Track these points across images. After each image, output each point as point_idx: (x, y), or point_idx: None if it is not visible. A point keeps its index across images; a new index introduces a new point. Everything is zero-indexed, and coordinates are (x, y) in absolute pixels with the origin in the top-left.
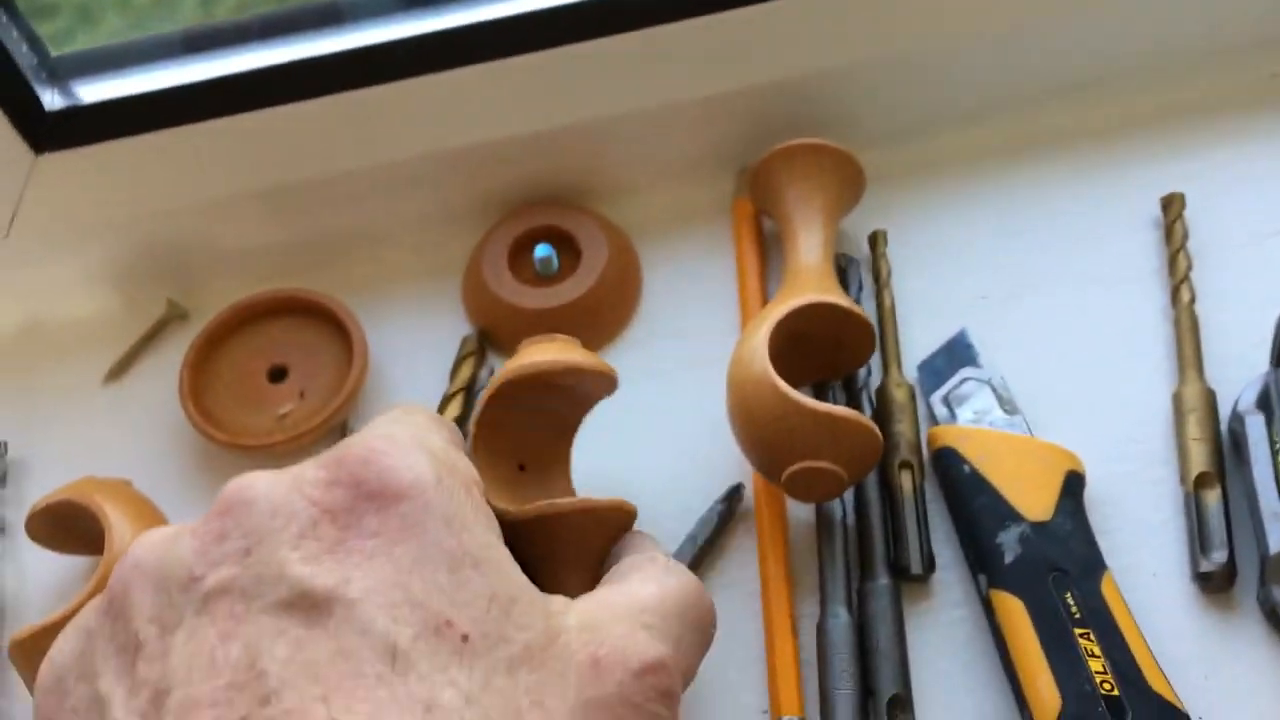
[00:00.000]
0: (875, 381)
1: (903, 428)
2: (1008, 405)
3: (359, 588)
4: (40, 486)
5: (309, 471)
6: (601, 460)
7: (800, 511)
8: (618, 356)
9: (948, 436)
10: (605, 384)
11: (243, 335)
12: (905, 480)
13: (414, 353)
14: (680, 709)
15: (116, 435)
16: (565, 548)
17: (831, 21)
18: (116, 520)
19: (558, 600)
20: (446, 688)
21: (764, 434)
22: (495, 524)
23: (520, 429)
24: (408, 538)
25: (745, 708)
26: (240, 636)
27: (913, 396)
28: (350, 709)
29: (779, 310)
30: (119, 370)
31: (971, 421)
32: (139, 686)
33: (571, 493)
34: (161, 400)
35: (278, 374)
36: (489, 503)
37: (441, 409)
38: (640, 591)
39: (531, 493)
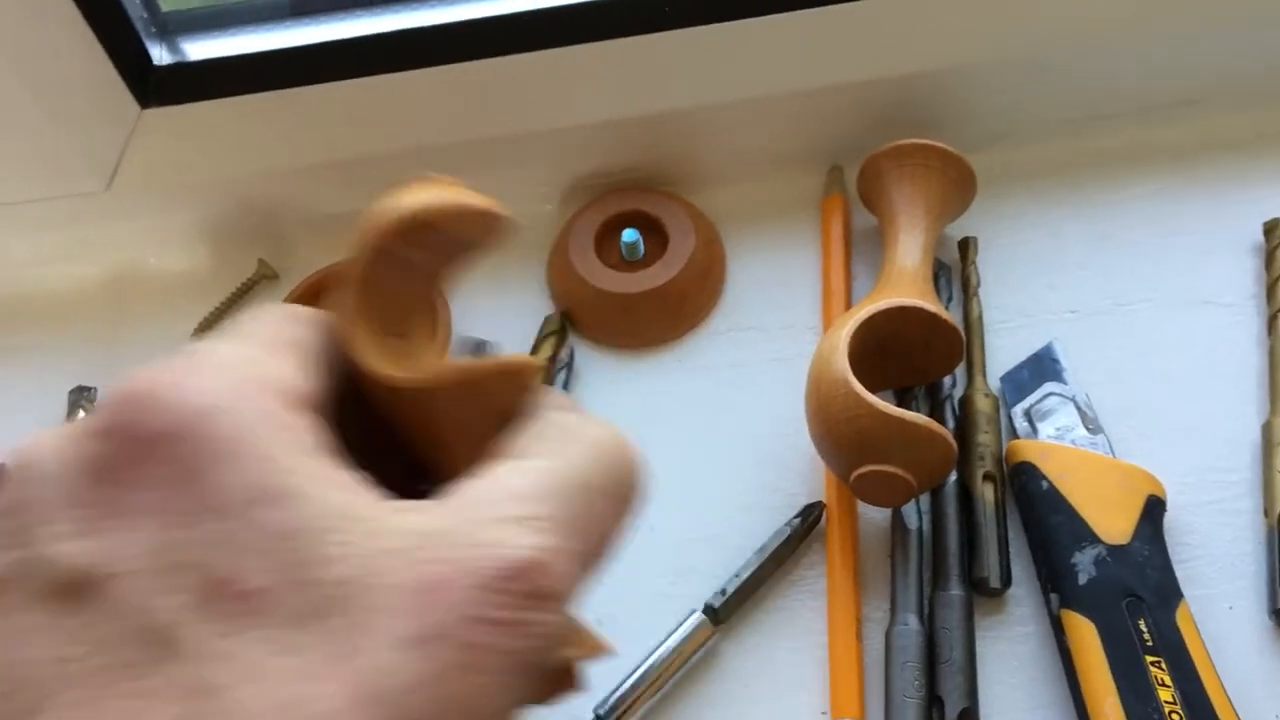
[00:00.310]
0: (960, 391)
1: (987, 439)
2: (1091, 424)
3: (122, 558)
4: None
5: (89, 420)
6: (674, 449)
7: (875, 515)
8: (698, 345)
9: (1027, 451)
10: (497, 228)
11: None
12: (988, 492)
13: (496, 329)
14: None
15: None
16: (474, 419)
17: (931, 23)
18: None
19: (392, 511)
20: (222, 663)
21: (836, 433)
22: (311, 439)
23: (394, 290)
24: (187, 484)
25: (804, 707)
26: (4, 634)
27: (998, 407)
28: (101, 713)
29: (865, 310)
30: (208, 326)
31: (1053, 438)
32: None
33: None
34: None
35: None
36: (382, 369)
37: None
38: (521, 476)
39: (413, 365)
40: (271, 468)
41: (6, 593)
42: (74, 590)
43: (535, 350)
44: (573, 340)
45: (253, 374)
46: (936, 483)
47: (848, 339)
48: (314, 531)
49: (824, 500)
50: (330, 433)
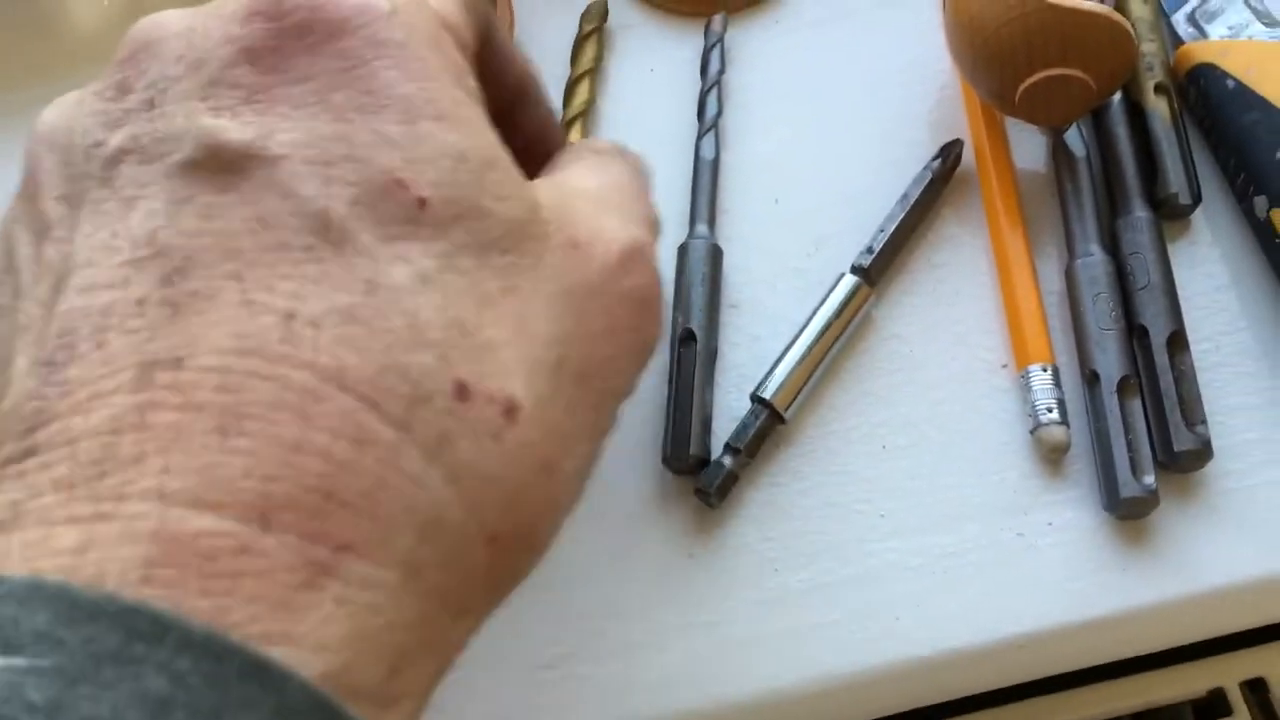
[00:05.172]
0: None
1: (1152, 47)
2: (1265, 18)
3: (283, 141)
4: None
5: (229, 3)
6: (781, 117)
7: (1025, 162)
8: (792, 3)
9: (1203, 53)
10: None
11: None
12: (1161, 105)
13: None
14: None
15: None
16: None
17: None
18: None
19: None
20: (395, 264)
21: (995, 41)
22: (471, 83)
23: None
24: (348, 81)
25: (979, 363)
26: (141, 207)
27: (1159, 13)
28: (270, 288)
29: None
30: None
31: (1228, 37)
32: (43, 273)
33: None
34: None
35: None
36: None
37: (567, 95)
38: (589, 179)
39: None
40: (439, 88)
41: (135, 163)
42: (227, 165)
43: (575, 58)
44: (641, 11)
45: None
46: (1114, 89)
47: None
48: (483, 161)
49: (962, 140)
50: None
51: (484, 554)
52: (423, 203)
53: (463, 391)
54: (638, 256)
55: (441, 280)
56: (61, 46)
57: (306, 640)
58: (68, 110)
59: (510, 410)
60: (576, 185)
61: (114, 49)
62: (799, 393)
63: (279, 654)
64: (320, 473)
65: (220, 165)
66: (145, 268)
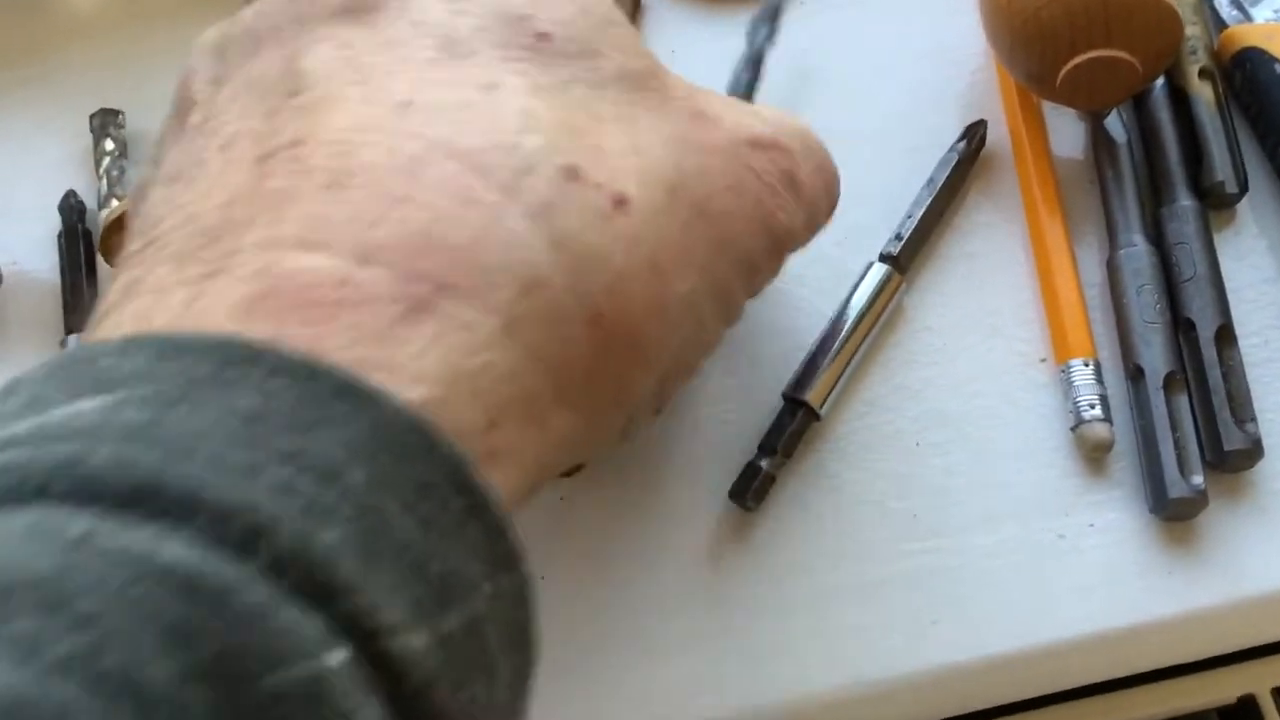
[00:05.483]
0: None
1: (1195, 30)
2: None
3: None
4: None
5: None
6: (818, 91)
7: (1062, 149)
8: None
9: (1250, 36)
10: None
11: None
12: (1206, 90)
13: None
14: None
15: None
16: None
17: None
18: None
19: None
20: (512, 75)
21: (1036, 22)
22: None
23: None
24: None
25: (1017, 356)
26: (279, 54)
27: None
28: (390, 88)
29: None
30: None
31: (1273, 20)
32: (183, 133)
33: None
34: None
35: None
36: None
37: None
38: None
39: None
40: None
41: (281, 30)
42: (364, 9)
43: None
44: None
45: None
46: (1160, 72)
47: None
48: (605, 19)
49: (991, 122)
50: None
51: (586, 334)
52: (544, 36)
53: (572, 173)
54: (772, 149)
55: (555, 95)
56: (56, 25)
57: (404, 370)
58: (221, 24)
59: (620, 201)
60: (717, 99)
61: (108, 28)
62: (833, 388)
63: (377, 379)
64: (423, 222)
65: (358, 9)
66: (278, 89)
